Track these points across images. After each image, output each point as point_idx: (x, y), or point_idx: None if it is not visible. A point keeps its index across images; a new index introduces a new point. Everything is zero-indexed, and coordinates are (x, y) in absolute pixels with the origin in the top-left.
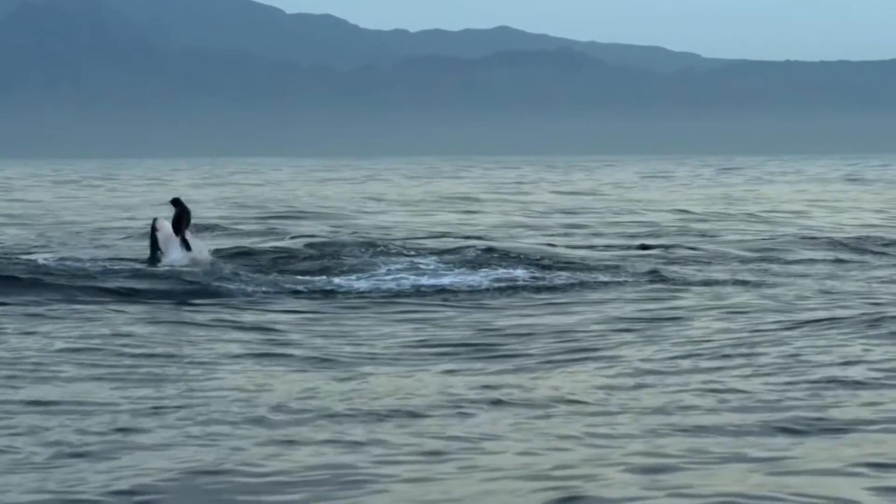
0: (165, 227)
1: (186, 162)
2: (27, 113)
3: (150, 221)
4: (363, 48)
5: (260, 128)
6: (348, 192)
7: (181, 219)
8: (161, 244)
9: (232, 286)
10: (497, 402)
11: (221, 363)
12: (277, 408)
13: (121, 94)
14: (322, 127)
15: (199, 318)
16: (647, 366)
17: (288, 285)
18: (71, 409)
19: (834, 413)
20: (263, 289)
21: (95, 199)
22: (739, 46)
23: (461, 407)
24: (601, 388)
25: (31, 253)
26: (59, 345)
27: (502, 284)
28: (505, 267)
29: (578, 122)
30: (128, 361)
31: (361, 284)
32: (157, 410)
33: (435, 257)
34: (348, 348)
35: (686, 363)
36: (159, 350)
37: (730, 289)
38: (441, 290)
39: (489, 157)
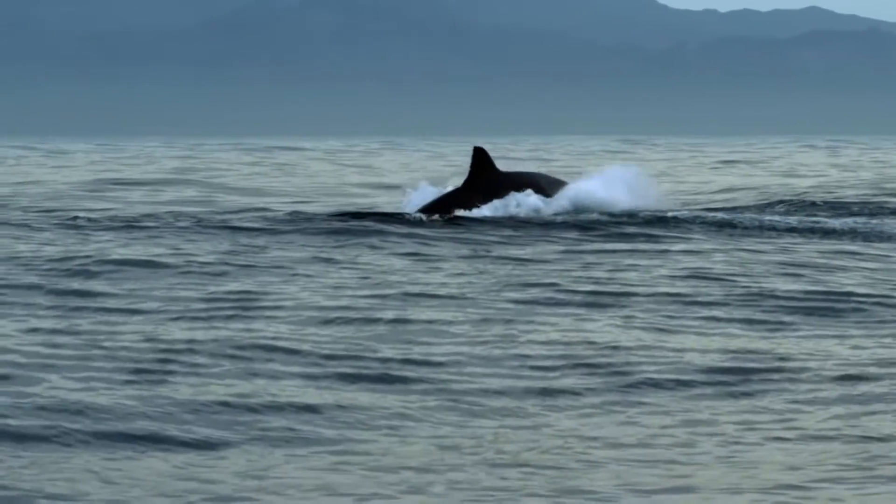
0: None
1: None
2: (334, 90)
3: None
4: (672, 28)
5: (567, 107)
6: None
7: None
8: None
9: None
10: None
11: None
12: None
13: (426, 72)
14: (628, 107)
15: None
16: None
17: None
18: None
19: None
20: None
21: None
22: None
23: None
24: None
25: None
26: None
27: None
28: None
29: (890, 103)
30: None
31: None
32: None
33: None
34: None
35: None
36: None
37: None
38: None
39: (797, 137)
